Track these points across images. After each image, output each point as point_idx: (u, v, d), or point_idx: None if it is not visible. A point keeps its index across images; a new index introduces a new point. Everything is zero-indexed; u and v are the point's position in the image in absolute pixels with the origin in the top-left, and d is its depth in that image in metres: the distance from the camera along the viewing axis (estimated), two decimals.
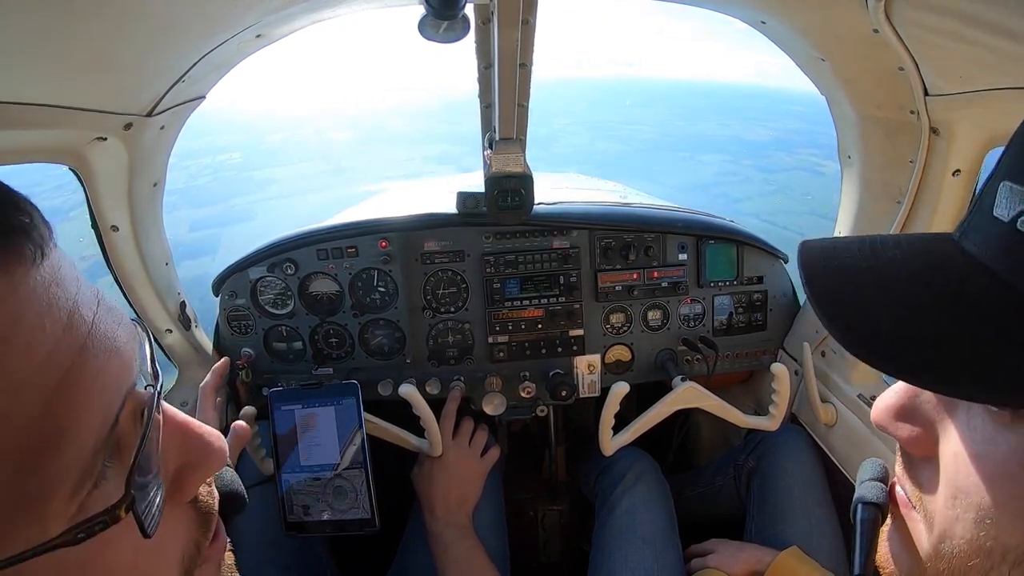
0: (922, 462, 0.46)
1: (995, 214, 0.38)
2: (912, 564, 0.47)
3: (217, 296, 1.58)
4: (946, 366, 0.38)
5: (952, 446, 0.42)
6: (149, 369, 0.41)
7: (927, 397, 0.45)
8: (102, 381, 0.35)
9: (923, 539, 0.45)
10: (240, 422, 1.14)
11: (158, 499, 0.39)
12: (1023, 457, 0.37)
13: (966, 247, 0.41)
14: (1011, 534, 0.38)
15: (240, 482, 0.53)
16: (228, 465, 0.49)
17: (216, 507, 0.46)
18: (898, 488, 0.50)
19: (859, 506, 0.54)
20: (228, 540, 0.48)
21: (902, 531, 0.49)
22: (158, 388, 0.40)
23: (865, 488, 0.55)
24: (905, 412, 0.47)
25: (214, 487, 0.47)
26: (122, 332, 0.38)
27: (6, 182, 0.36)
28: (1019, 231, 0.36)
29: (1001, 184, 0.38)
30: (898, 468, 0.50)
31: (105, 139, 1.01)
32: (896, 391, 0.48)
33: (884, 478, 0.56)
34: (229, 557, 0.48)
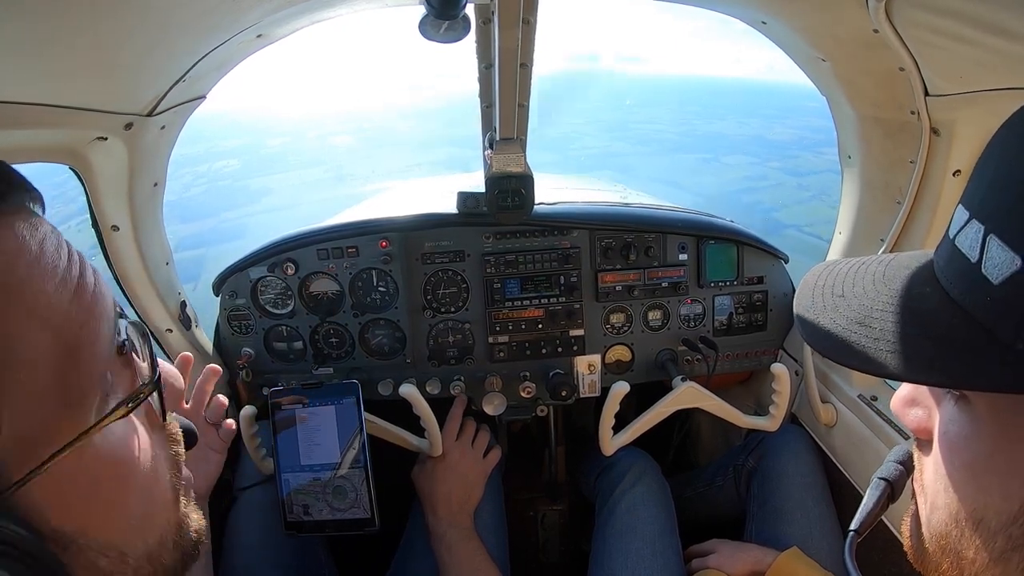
0: (926, 445, 0.52)
1: (948, 233, 0.46)
2: (919, 540, 0.53)
3: (217, 296, 1.58)
4: (872, 356, 0.45)
5: (936, 427, 0.49)
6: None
7: (925, 389, 0.52)
8: (108, 323, 0.45)
9: (924, 514, 0.52)
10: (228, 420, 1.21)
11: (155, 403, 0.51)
12: (968, 432, 0.44)
13: (934, 259, 0.48)
14: (964, 499, 0.45)
15: (190, 422, 0.62)
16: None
17: (180, 435, 0.57)
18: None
19: (874, 480, 0.65)
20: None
21: (916, 512, 0.55)
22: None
23: (884, 467, 0.66)
24: (912, 401, 0.54)
25: (176, 422, 0.57)
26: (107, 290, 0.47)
27: None
28: (955, 245, 0.44)
29: (958, 207, 0.45)
30: (915, 453, 0.56)
31: (105, 139, 1.01)
32: (906, 384, 0.54)
33: (906, 461, 0.65)
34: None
